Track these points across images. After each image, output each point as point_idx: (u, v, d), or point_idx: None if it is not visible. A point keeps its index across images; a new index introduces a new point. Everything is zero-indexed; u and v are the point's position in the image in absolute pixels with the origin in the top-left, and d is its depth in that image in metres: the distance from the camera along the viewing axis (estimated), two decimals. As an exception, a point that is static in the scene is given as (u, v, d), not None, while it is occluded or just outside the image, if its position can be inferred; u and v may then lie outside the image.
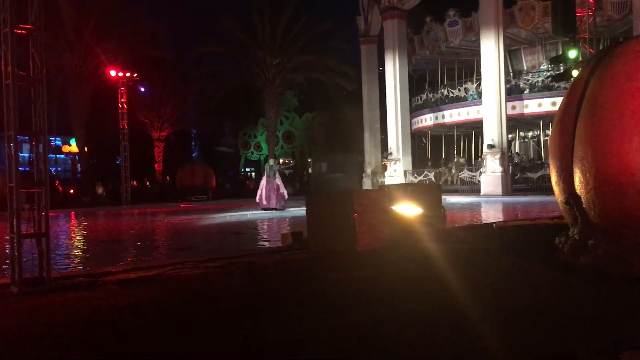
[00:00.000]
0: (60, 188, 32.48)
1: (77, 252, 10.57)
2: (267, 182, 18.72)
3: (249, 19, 36.39)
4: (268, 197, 18.60)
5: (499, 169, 24.69)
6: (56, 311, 4.98)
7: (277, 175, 18.82)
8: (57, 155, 46.09)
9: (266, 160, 28.32)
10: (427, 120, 33.34)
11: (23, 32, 6.10)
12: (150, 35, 33.85)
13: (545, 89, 27.78)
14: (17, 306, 5.22)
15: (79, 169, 39.09)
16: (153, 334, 4.23)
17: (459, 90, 31.87)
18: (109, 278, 6.33)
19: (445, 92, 32.52)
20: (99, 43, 31.47)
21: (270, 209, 18.33)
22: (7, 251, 7.21)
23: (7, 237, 6.32)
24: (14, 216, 5.93)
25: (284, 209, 18.29)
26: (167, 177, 38.95)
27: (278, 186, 18.58)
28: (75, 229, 16.15)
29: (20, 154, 6.46)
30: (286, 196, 18.76)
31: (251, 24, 36.27)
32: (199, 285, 6.11)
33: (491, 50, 25.16)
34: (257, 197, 18.98)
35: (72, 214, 22.23)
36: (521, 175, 26.28)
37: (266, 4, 36.12)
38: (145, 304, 5.25)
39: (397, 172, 29.59)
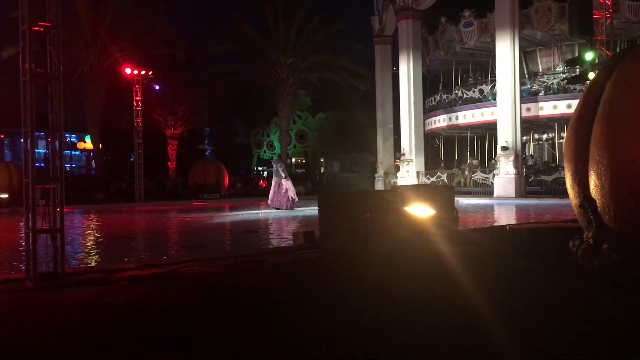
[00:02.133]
0: (75, 184, 32.78)
1: (90, 248, 10.66)
2: (275, 182, 18.76)
3: (263, 18, 36.46)
4: (274, 197, 18.65)
5: (512, 171, 24.52)
6: (69, 306, 5.03)
7: (285, 175, 18.72)
8: (72, 152, 46.48)
9: (272, 160, 28.36)
10: (440, 121, 33.21)
11: (41, 29, 6.16)
12: (165, 34, 34.02)
13: (560, 91, 27.54)
14: (31, 301, 5.28)
15: (94, 166, 39.41)
16: (164, 330, 4.26)
17: (473, 91, 31.69)
18: (121, 274, 6.38)
19: (460, 93, 32.36)
20: (115, 41, 31.70)
21: (278, 209, 18.33)
22: (22, 246, 7.29)
23: (22, 233, 6.39)
24: (29, 212, 5.99)
25: (291, 209, 18.22)
26: (175, 176, 39.12)
27: (286, 189, 18.49)
28: (90, 226, 16.29)
29: (36, 150, 6.53)
30: (290, 198, 18.48)
31: (265, 23, 36.33)
32: (210, 283, 6.13)
33: (506, 52, 24.99)
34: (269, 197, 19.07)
35: (86, 210, 22.42)
36: (535, 177, 26.07)
37: (280, 3, 36.16)
38: (157, 300, 5.29)
39: (409, 173, 29.49)
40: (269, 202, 18.79)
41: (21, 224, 6.73)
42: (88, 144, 39.82)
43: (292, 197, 18.51)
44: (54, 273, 6.06)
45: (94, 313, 4.77)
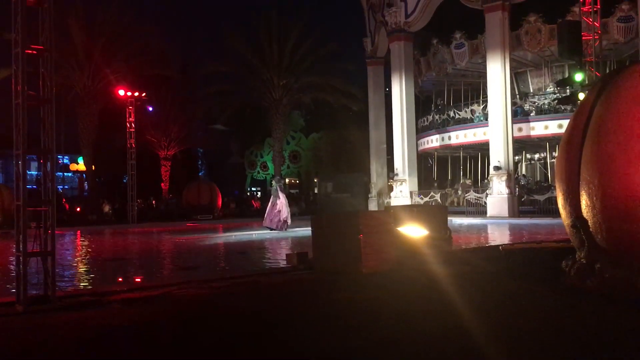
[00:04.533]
0: (67, 206, 32.61)
1: (82, 270, 10.57)
2: (271, 202, 18.72)
3: (257, 39, 36.70)
4: (269, 217, 18.60)
5: (505, 190, 24.62)
6: (60, 330, 4.97)
7: (282, 196, 18.69)
8: (65, 173, 46.32)
9: (272, 179, 28.37)
10: (433, 141, 33.38)
11: (34, 52, 6.18)
12: (159, 54, 34.17)
13: (551, 112, 27.79)
14: (21, 324, 5.22)
15: (86, 187, 39.25)
16: (156, 355, 4.21)
17: (465, 111, 31.94)
18: (113, 297, 6.32)
19: (452, 114, 32.61)
20: (108, 63, 31.80)
21: (271, 229, 18.27)
22: (13, 269, 7.21)
23: (13, 256, 6.33)
24: (20, 234, 5.95)
25: (283, 230, 18.16)
26: (171, 196, 39.03)
27: (280, 210, 18.44)
28: (81, 248, 16.17)
29: (28, 172, 6.51)
30: (283, 219, 18.42)
31: (259, 44, 36.57)
32: (203, 305, 6.09)
33: (497, 73, 25.25)
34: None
35: (78, 232, 22.28)
36: (528, 197, 26.17)
37: (274, 25, 36.47)
38: (149, 324, 5.24)
39: (403, 193, 29.54)
40: (267, 223, 18.70)
41: (12, 246, 6.66)
42: (81, 165, 39.75)
43: (284, 219, 18.42)
44: (44, 296, 6.00)
45: (85, 337, 4.72)
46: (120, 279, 8.49)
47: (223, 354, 4.14)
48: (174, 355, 4.16)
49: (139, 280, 8.58)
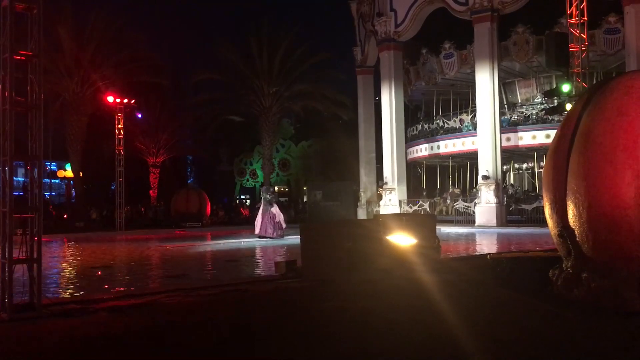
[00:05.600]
0: (54, 213, 32.35)
1: (69, 278, 10.47)
2: (264, 210, 18.69)
3: (247, 47, 36.75)
4: (264, 226, 18.55)
5: (493, 200, 24.75)
6: (45, 338, 4.92)
7: (274, 204, 18.73)
8: (52, 180, 45.97)
9: (261, 187, 28.34)
10: (422, 150, 33.52)
11: (22, 58, 6.15)
12: (149, 62, 34.10)
13: (539, 122, 28.03)
14: (6, 333, 5.16)
15: (74, 194, 38.95)
16: (143, 363, 4.19)
17: (454, 121, 32.12)
18: (100, 305, 6.27)
19: (441, 123, 32.78)
20: (97, 69, 31.70)
21: (266, 237, 18.27)
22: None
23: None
24: (6, 241, 5.89)
25: (281, 238, 18.21)
26: (162, 203, 38.83)
27: (274, 215, 18.50)
28: (68, 255, 16.02)
29: (15, 178, 6.45)
30: (284, 225, 18.62)
31: (249, 52, 36.62)
32: (191, 313, 6.05)
33: (486, 83, 25.45)
34: (255, 225, 19.00)
35: (65, 239, 22.08)
36: (515, 206, 26.32)
37: (264, 33, 36.54)
38: (136, 332, 5.20)
39: (392, 201, 29.60)
40: (256, 232, 18.70)
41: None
42: (68, 172, 39.45)
43: (284, 226, 18.54)
44: (30, 304, 5.93)
45: (70, 345, 4.67)
46: (107, 287, 8.42)
47: (210, 363, 4.12)
48: (160, 363, 4.14)
49: (126, 288, 8.51)
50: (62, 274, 11.08)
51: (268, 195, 19.01)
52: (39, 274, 5.99)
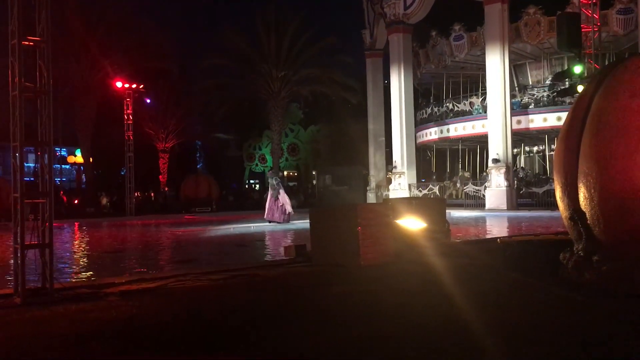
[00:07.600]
0: (64, 198, 32.59)
1: (80, 263, 10.57)
2: (271, 195, 18.72)
3: (255, 32, 36.61)
4: (271, 211, 18.61)
5: (504, 183, 24.63)
6: (57, 322, 4.97)
7: (281, 189, 18.73)
8: (62, 166, 46.24)
9: (269, 172, 28.36)
10: (432, 134, 33.36)
11: (31, 44, 6.14)
12: (157, 47, 34.06)
13: (550, 104, 27.78)
14: (19, 317, 5.22)
15: (84, 180, 39.20)
16: (153, 347, 4.22)
17: (464, 104, 31.91)
18: (111, 289, 6.32)
19: (451, 106, 32.57)
20: (106, 55, 31.70)
21: (274, 222, 18.33)
22: (11, 262, 7.21)
23: (11, 248, 6.32)
24: (18, 227, 5.94)
25: (288, 222, 18.25)
26: (167, 189, 39.00)
27: (281, 201, 18.51)
28: (79, 240, 16.16)
29: (26, 164, 6.49)
30: (288, 211, 18.57)
31: (257, 37, 36.47)
32: (201, 297, 6.09)
33: (496, 65, 25.21)
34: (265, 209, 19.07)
35: (76, 224, 22.26)
36: (526, 190, 26.20)
37: (272, 17, 36.33)
38: (147, 316, 5.24)
39: (401, 185, 29.55)
40: (264, 217, 18.76)
41: (10, 238, 6.66)
42: (78, 157, 39.67)
43: (288, 211, 18.52)
44: (42, 289, 6.00)
45: (82, 329, 4.72)
46: (117, 272, 8.48)
47: (218, 346, 4.14)
48: (170, 347, 4.16)
49: (137, 272, 8.58)
50: (73, 258, 11.18)
51: (274, 181, 19.02)
52: (50, 259, 6.04)
